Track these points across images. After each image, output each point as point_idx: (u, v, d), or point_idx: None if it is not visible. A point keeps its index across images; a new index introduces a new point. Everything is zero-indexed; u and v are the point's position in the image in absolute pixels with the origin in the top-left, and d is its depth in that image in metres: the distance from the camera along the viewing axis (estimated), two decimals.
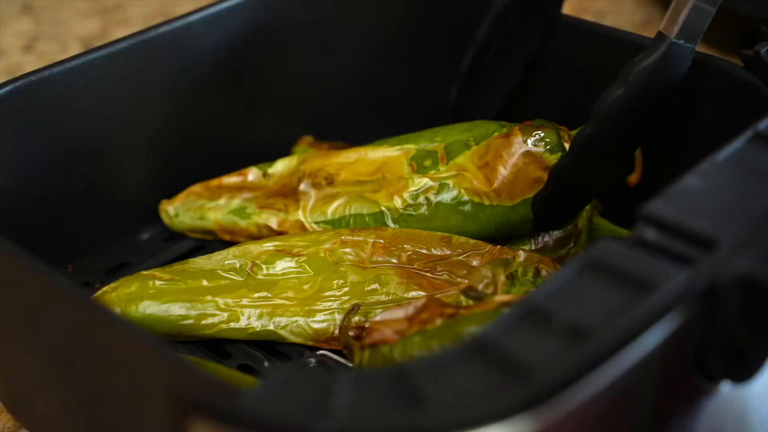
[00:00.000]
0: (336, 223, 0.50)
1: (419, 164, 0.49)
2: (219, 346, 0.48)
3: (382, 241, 0.46)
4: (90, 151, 0.52)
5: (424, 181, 0.49)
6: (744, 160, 0.37)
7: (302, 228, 0.50)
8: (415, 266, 0.46)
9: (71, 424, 0.40)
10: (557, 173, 0.46)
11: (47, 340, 0.38)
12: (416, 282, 0.45)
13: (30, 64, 0.75)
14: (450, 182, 0.48)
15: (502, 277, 0.43)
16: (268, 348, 0.47)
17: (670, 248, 0.33)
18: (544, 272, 0.44)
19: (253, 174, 0.53)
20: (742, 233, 0.33)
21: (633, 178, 0.51)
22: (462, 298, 0.42)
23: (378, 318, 0.41)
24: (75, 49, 0.77)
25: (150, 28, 0.53)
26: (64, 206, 0.52)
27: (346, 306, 0.45)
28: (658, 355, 0.31)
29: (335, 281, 0.46)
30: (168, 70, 0.54)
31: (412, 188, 0.49)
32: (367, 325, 0.41)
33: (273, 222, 0.51)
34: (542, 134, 0.47)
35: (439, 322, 0.39)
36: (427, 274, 0.46)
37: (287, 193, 0.52)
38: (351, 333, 0.42)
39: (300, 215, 0.50)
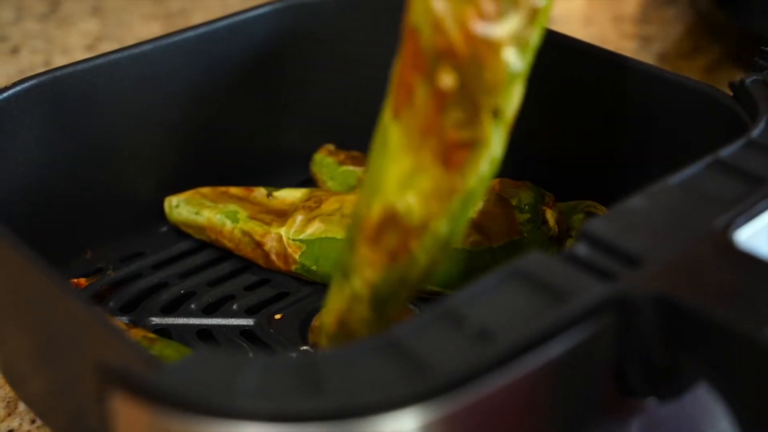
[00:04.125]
0: (311, 244, 0.52)
1: None
2: (210, 334, 0.50)
3: None
4: (112, 146, 0.55)
5: None
6: (696, 184, 0.38)
7: (279, 242, 0.52)
8: None
9: (52, 401, 0.43)
10: None
11: (25, 317, 0.41)
12: None
13: None
14: None
15: None
16: (257, 341, 0.50)
17: (596, 263, 0.34)
18: None
19: (258, 192, 0.56)
20: (670, 254, 0.34)
21: None
22: None
23: None
24: None
25: (175, 32, 0.56)
26: (85, 196, 0.55)
27: None
28: (568, 364, 0.32)
29: None
30: (192, 74, 0.57)
31: None
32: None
33: (256, 232, 0.53)
34: (520, 190, 0.48)
35: None
36: None
37: (280, 214, 0.54)
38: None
39: (282, 231, 0.53)
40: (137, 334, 0.46)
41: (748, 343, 0.31)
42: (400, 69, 0.36)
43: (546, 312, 0.32)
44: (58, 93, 0.52)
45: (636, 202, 0.37)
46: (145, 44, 0.54)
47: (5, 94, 0.50)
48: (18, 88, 0.50)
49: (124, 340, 0.32)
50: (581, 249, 0.35)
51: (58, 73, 0.52)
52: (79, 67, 0.52)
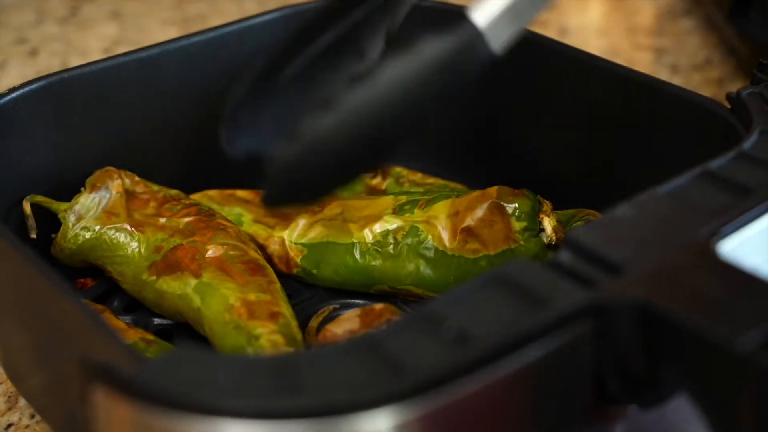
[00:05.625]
0: (312, 248, 0.52)
1: (400, 208, 0.51)
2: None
3: None
4: (119, 149, 0.56)
5: (396, 222, 0.51)
6: (684, 195, 0.38)
7: (282, 245, 0.53)
8: None
9: (49, 397, 0.44)
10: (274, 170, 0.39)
11: (24, 314, 0.42)
12: None
13: None
14: (420, 227, 0.50)
15: None
16: None
17: (577, 271, 0.34)
18: None
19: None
20: (652, 263, 0.34)
21: None
22: None
23: (336, 319, 0.44)
24: None
25: (183, 36, 0.56)
26: None
27: None
28: (545, 369, 0.32)
29: None
30: (200, 79, 0.57)
31: (385, 226, 0.51)
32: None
33: (259, 236, 0.54)
34: (517, 199, 0.49)
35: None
36: None
37: (284, 217, 0.54)
38: (315, 333, 0.45)
39: (284, 234, 0.53)
40: (134, 335, 0.47)
41: (723, 352, 0.31)
42: None
43: (524, 317, 0.32)
44: (66, 95, 0.53)
45: (623, 210, 0.37)
46: (153, 48, 0.55)
47: (13, 95, 0.50)
48: (26, 89, 0.51)
49: (109, 336, 0.33)
50: (564, 256, 0.35)
51: (66, 76, 0.52)
52: (87, 69, 0.53)
